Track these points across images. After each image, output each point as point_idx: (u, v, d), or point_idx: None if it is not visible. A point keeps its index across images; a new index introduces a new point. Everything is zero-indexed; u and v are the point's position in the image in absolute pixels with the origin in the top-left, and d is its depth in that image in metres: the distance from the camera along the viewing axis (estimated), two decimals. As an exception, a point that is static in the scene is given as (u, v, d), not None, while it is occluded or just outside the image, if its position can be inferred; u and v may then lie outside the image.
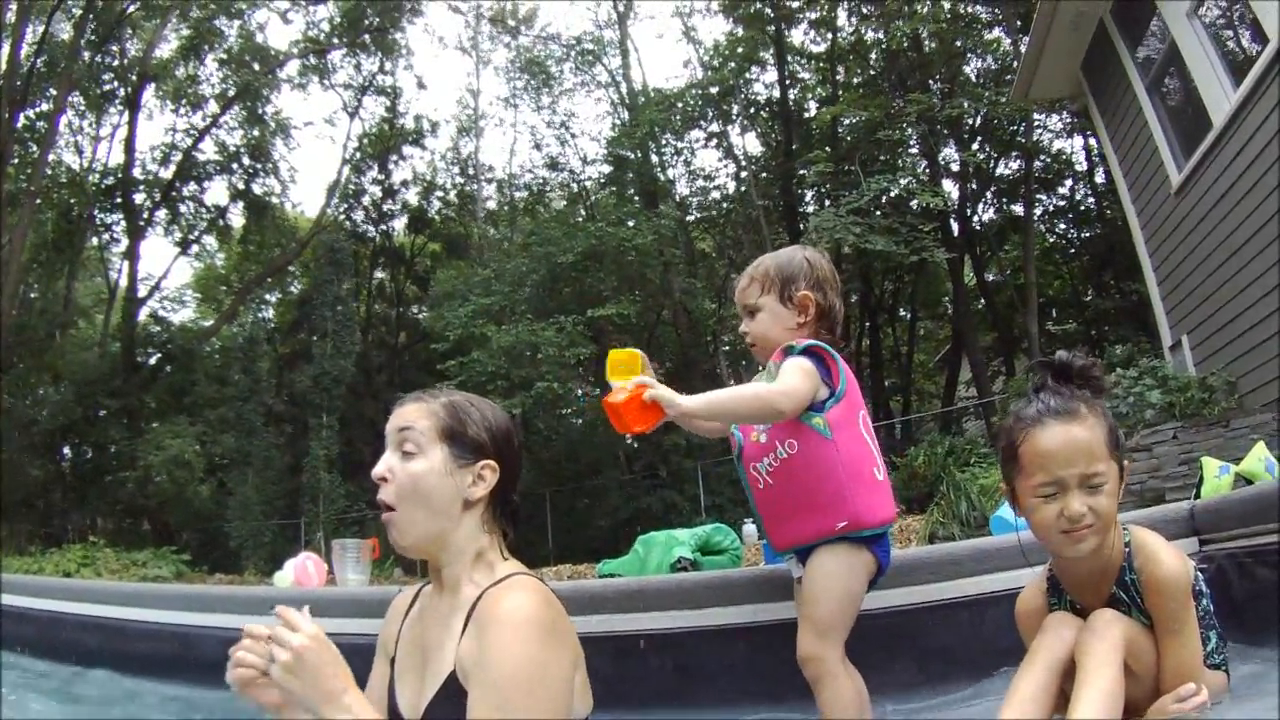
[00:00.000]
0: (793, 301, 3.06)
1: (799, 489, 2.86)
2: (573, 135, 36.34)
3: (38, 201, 29.09)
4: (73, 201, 33.22)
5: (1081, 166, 30.16)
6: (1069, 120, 27.09)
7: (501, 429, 2.34)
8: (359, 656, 3.53)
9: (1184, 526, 3.15)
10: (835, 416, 2.85)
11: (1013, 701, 2.26)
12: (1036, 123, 27.66)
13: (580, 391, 30.60)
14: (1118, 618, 2.30)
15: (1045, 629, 2.39)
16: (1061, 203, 31.77)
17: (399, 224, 40.59)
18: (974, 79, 27.37)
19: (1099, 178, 28.17)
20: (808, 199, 30.79)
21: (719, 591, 3.46)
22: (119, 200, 34.11)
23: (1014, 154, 28.81)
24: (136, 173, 34.20)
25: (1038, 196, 30.03)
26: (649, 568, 5.31)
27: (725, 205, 34.40)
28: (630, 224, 28.71)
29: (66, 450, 33.68)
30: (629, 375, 2.89)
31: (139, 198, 34.60)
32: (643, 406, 2.74)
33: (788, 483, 2.88)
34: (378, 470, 2.20)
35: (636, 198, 32.30)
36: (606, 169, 34.59)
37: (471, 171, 39.11)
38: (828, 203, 25.06)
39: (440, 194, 40.50)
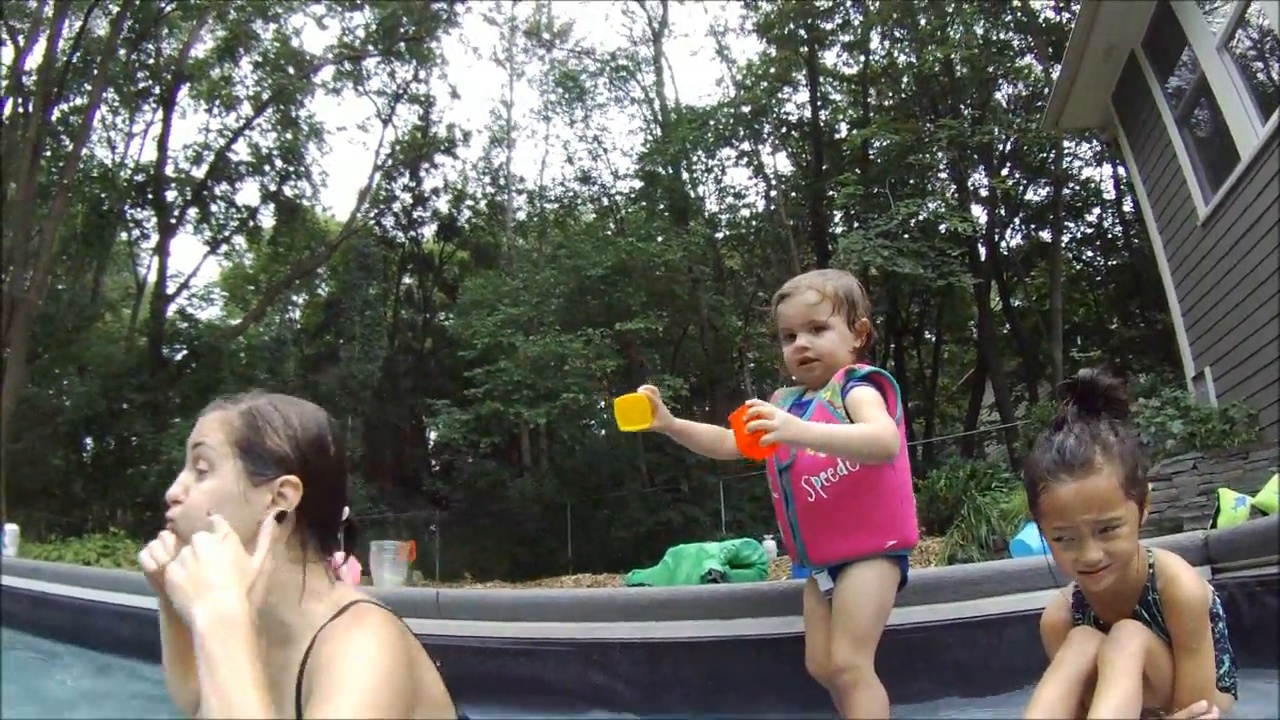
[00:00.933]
0: (855, 326, 3.15)
1: (857, 506, 2.94)
2: (604, 150, 36.44)
3: (69, 195, 29.21)
4: (104, 196, 33.46)
5: (1110, 194, 30.12)
6: (1098, 148, 27.08)
7: (310, 436, 2.04)
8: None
9: (1198, 555, 3.25)
10: None
11: (1037, 705, 2.38)
12: (1066, 150, 27.68)
13: (604, 404, 30.71)
14: (1140, 629, 2.42)
15: (1069, 642, 2.51)
16: (1089, 230, 31.66)
17: (428, 231, 40.83)
18: (1005, 105, 27.40)
19: (1127, 206, 28.11)
20: (836, 219, 30.82)
21: (749, 603, 3.56)
22: (150, 196, 34.37)
23: (1043, 180, 28.80)
24: (169, 170, 34.49)
25: (1065, 223, 29.98)
26: (678, 578, 5.46)
27: (754, 224, 34.47)
28: (659, 239, 28.82)
29: (89, 441, 33.86)
30: (643, 419, 3.01)
31: (170, 195, 34.87)
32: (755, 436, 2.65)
33: (845, 498, 2.95)
34: (171, 491, 1.99)
35: (666, 213, 32.41)
36: (637, 184, 34.68)
37: (502, 182, 39.24)
38: (856, 224, 25.13)
39: (470, 203, 40.72)
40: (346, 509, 2.16)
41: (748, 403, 2.65)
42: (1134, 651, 2.36)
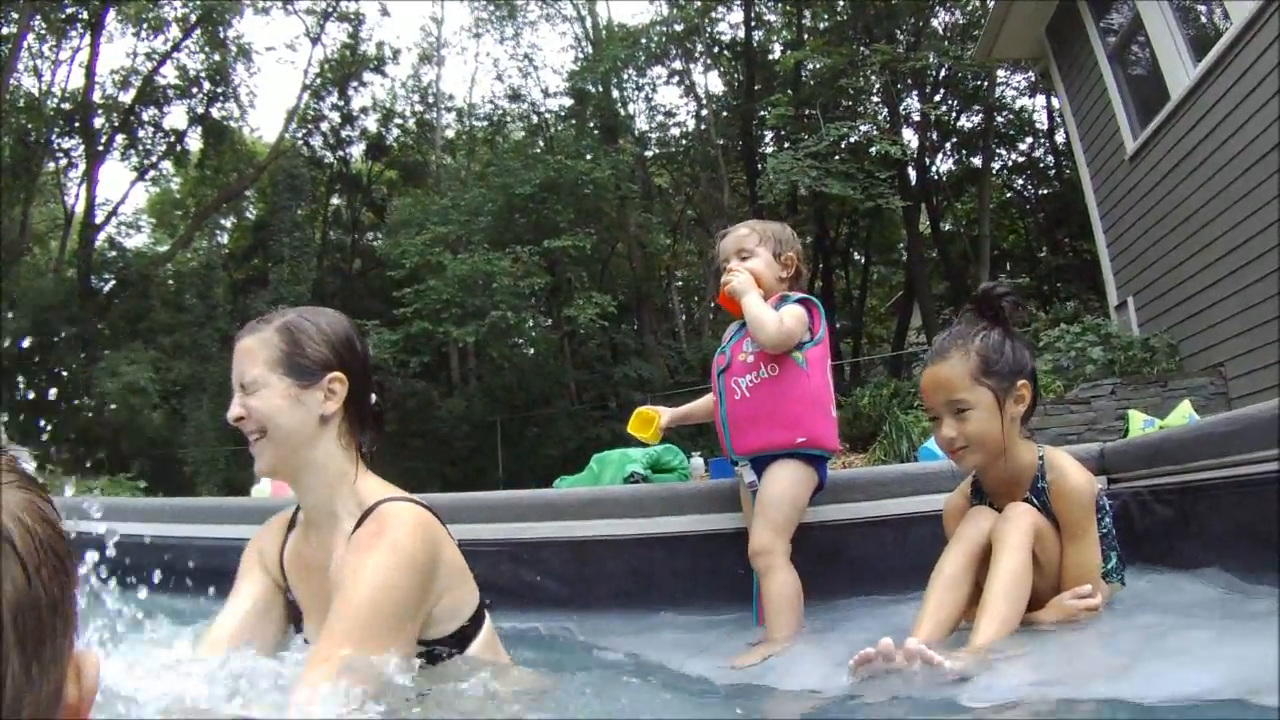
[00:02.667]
0: (780, 258, 3.61)
1: (772, 404, 3.36)
2: (535, 67, 36.29)
3: (-4, 127, 28.59)
4: (30, 126, 32.45)
5: (1043, 125, 30.50)
6: (1032, 79, 27.31)
7: (341, 337, 2.29)
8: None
9: (1094, 465, 3.45)
10: (811, 355, 3.41)
11: (939, 575, 2.63)
12: (1000, 79, 27.84)
13: (531, 322, 30.77)
14: (1029, 510, 2.66)
15: (967, 519, 2.76)
16: (1021, 159, 32.07)
17: (357, 151, 39.96)
18: (941, 32, 27.49)
19: (1060, 137, 28.42)
20: (767, 140, 30.71)
21: (669, 502, 3.80)
22: (77, 124, 33.46)
23: (976, 108, 29.02)
24: (96, 97, 33.49)
25: (997, 151, 30.27)
26: (603, 482, 5.63)
27: (684, 143, 34.45)
28: (589, 158, 28.66)
29: (20, 378, 33.35)
30: (654, 436, 3.71)
31: (98, 122, 33.90)
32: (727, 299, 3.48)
33: (763, 398, 3.39)
34: (231, 413, 2.21)
35: (596, 131, 32.15)
36: (567, 102, 34.35)
37: (431, 100, 38.74)
38: (787, 145, 25.07)
39: (399, 122, 39.95)
40: (374, 396, 2.36)
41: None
42: (1024, 528, 2.58)
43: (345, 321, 2.35)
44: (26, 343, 29.82)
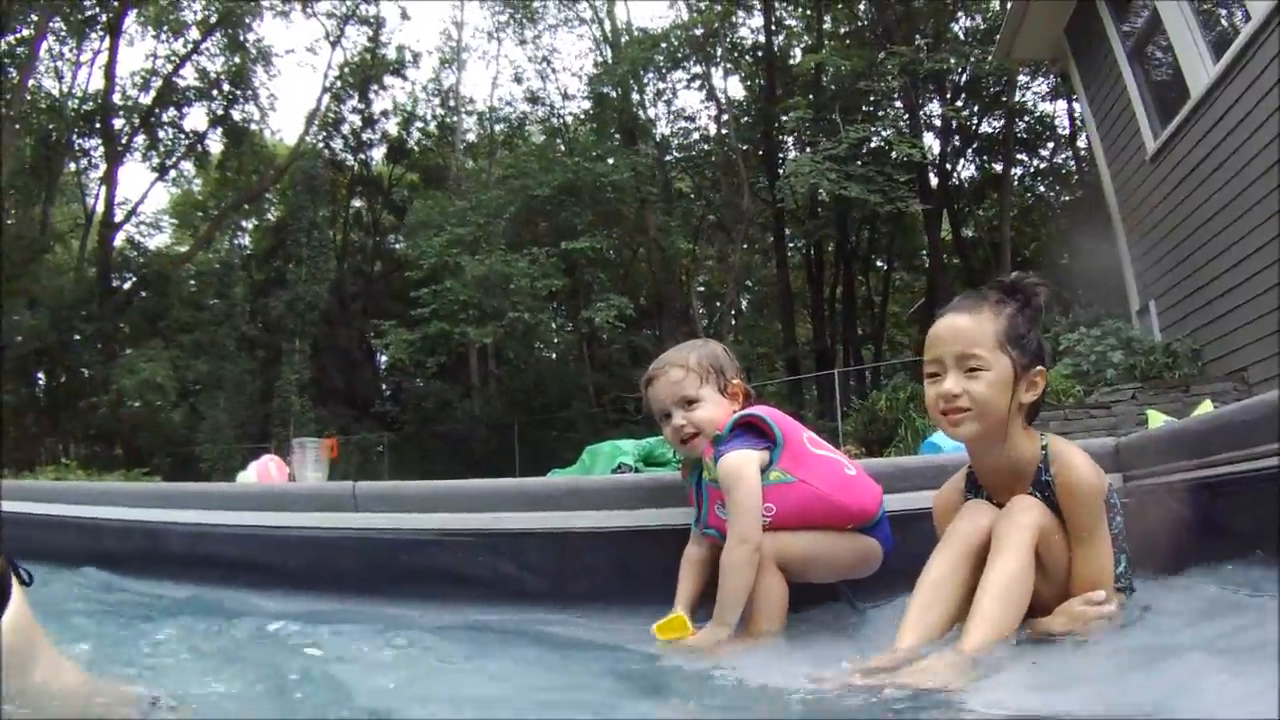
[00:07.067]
0: (727, 392, 3.12)
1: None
2: (554, 71, 36.27)
3: (16, 127, 28.78)
4: (51, 127, 32.70)
5: (1064, 130, 30.28)
6: (1053, 84, 27.16)
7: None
8: (311, 548, 3.66)
9: (1110, 462, 3.24)
10: (787, 461, 2.94)
11: (927, 577, 2.35)
12: (1022, 83, 27.70)
13: (554, 325, 30.79)
14: (1035, 504, 2.37)
15: (962, 514, 2.48)
16: (1042, 164, 31.91)
17: (378, 154, 40.19)
18: (961, 37, 27.34)
19: (1081, 142, 28.25)
20: (788, 145, 30.73)
21: (655, 494, 3.52)
22: (98, 125, 33.68)
23: (997, 113, 28.87)
24: (116, 98, 33.69)
25: (1018, 157, 30.17)
26: (594, 474, 5.48)
27: (704, 147, 34.37)
28: (609, 161, 28.63)
29: (40, 375, 33.59)
30: (684, 628, 2.91)
31: (118, 123, 34.10)
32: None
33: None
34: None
35: (616, 135, 32.21)
36: (587, 105, 34.48)
37: (452, 103, 38.79)
38: (808, 149, 24.99)
39: (420, 124, 40.11)
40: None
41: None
42: (1027, 524, 2.31)
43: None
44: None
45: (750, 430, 2.99)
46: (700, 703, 2.30)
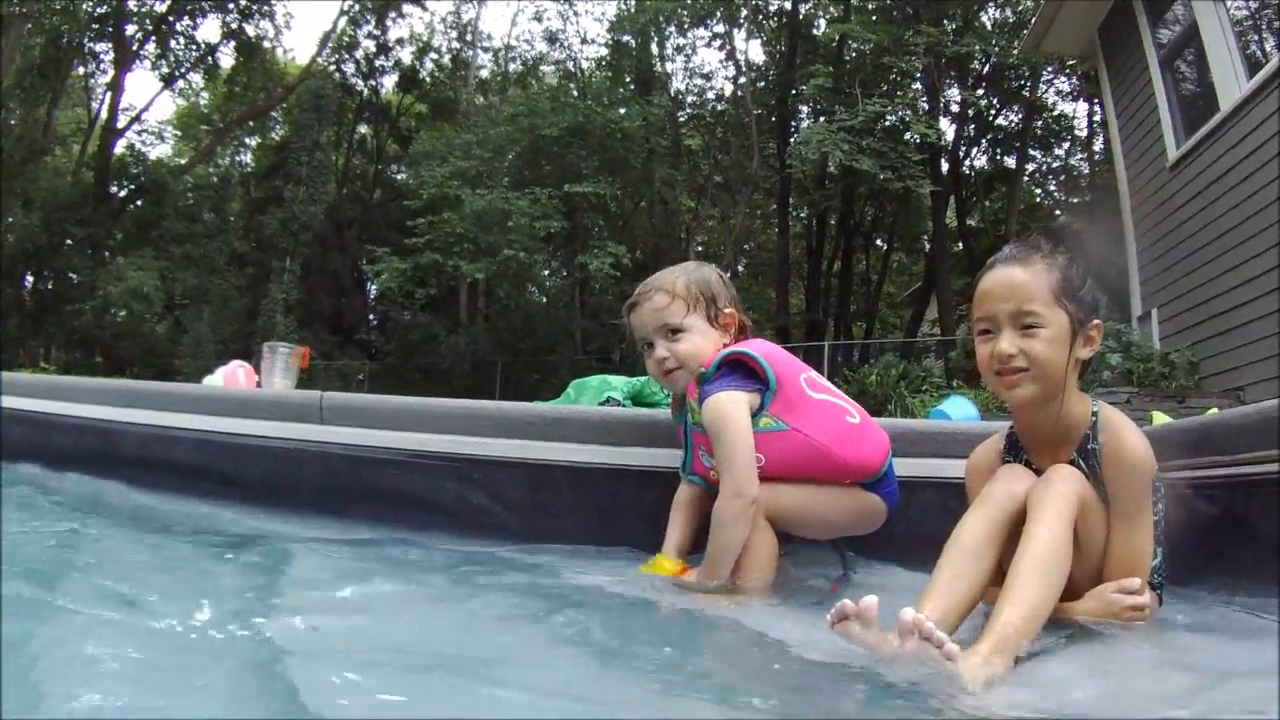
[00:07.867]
0: (718, 321, 2.90)
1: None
2: (575, 13, 35.97)
3: (28, 26, 28.41)
4: (64, 28, 32.23)
5: (1082, 132, 30.22)
6: (1076, 84, 26.98)
7: None
8: (271, 459, 3.47)
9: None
10: (780, 406, 2.73)
11: (953, 550, 2.17)
12: (1044, 79, 27.54)
13: (549, 269, 30.65)
14: (1075, 474, 2.22)
15: (997, 478, 2.32)
16: (1056, 164, 31.84)
17: (389, 81, 40.01)
18: (989, 27, 27.10)
19: (1098, 145, 28.16)
20: (802, 113, 30.56)
21: (643, 431, 3.32)
22: (110, 29, 33.21)
23: (1016, 106, 28.71)
24: (131, 3, 33.39)
25: (1032, 153, 30.04)
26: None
27: (718, 107, 34.05)
28: (621, 110, 28.40)
29: (29, 277, 33.38)
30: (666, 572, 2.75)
31: (130, 29, 33.71)
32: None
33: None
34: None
35: (631, 84, 31.98)
36: (604, 51, 34.19)
37: (469, 37, 38.49)
38: (822, 119, 24.80)
39: (434, 56, 39.86)
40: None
41: None
42: (1067, 493, 2.15)
43: None
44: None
45: (739, 369, 2.77)
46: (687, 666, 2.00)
